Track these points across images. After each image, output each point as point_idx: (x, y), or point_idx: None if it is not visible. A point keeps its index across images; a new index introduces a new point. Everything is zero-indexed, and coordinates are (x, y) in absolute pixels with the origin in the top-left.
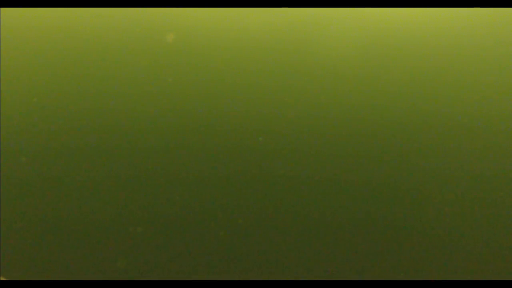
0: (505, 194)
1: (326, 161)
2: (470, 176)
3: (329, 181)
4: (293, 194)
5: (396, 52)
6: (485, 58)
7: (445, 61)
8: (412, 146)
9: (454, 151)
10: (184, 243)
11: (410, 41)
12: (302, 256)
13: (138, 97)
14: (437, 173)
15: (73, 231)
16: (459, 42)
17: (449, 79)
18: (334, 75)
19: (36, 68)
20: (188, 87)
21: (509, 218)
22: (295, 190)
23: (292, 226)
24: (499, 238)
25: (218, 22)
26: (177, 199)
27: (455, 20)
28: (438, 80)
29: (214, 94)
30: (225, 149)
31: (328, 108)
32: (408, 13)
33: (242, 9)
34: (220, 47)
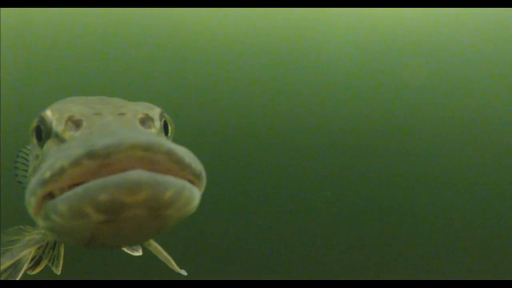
0: (505, 194)
1: (324, 161)
2: (469, 175)
3: (329, 180)
4: (293, 193)
5: (396, 52)
6: (485, 58)
7: (444, 61)
8: (411, 144)
9: (452, 151)
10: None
11: (410, 41)
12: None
13: (139, 97)
14: (437, 172)
15: None
16: (459, 42)
17: (448, 79)
18: (333, 75)
19: (36, 67)
20: (188, 87)
21: (509, 218)
22: (293, 189)
23: (293, 226)
24: (500, 238)
25: (218, 22)
26: None
27: (454, 20)
28: (437, 80)
29: (213, 94)
30: (222, 147)
31: (328, 108)
32: (407, 14)
33: (241, 10)
34: (219, 48)
